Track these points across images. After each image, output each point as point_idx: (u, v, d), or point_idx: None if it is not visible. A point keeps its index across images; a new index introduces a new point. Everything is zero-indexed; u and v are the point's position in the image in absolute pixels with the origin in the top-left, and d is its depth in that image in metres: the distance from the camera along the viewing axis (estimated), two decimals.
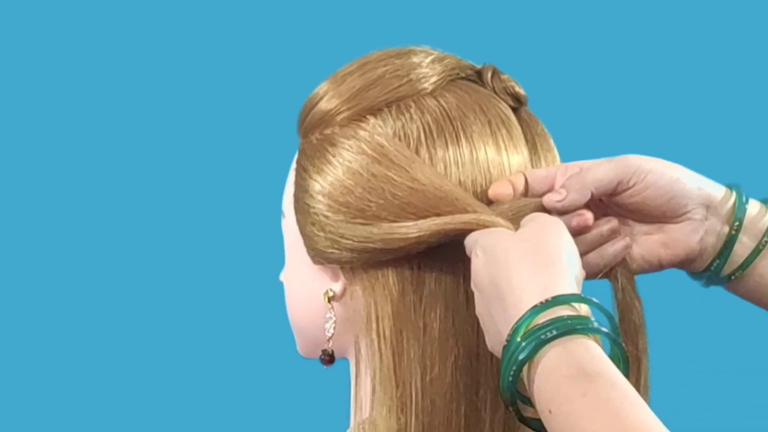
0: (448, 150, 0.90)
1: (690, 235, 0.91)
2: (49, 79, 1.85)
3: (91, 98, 1.85)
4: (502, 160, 0.91)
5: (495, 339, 0.83)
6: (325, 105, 0.94)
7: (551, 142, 0.96)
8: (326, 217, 0.91)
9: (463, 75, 0.95)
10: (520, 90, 0.96)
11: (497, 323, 0.82)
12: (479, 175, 0.90)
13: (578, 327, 0.78)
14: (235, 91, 1.83)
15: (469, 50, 0.98)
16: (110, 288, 1.84)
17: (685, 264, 0.93)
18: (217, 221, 1.83)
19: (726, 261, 0.91)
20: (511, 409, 0.81)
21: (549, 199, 0.89)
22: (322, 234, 0.91)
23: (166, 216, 1.84)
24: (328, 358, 0.95)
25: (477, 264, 0.84)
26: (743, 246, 0.91)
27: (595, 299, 0.81)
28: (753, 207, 0.92)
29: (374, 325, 0.90)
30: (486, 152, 0.90)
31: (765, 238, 0.90)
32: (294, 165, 0.96)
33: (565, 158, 0.96)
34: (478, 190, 0.90)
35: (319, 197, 0.92)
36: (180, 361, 1.83)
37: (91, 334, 1.83)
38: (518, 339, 0.78)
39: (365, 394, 0.92)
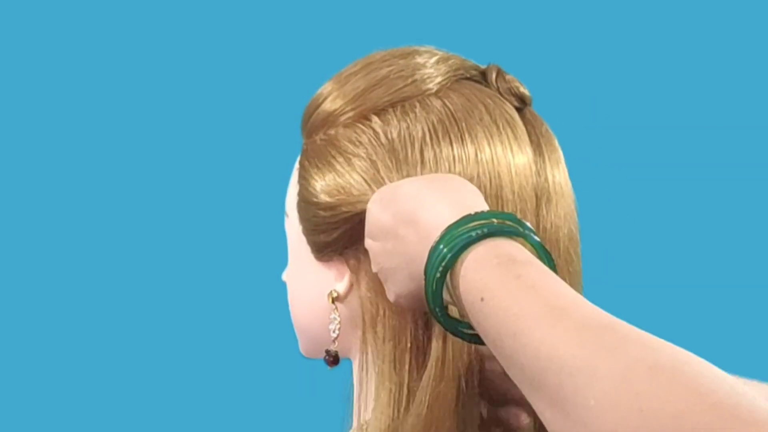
0: (452, 150, 0.90)
1: None
2: (49, 79, 1.85)
3: (92, 98, 1.85)
4: (507, 160, 0.91)
5: (404, 276, 0.81)
6: (329, 105, 0.94)
7: (556, 142, 0.96)
8: (326, 212, 0.91)
9: (468, 75, 0.95)
10: (525, 90, 0.96)
11: (409, 253, 0.80)
12: (483, 175, 0.90)
13: (505, 229, 0.77)
14: (239, 91, 1.83)
15: (474, 50, 0.98)
16: (112, 288, 1.84)
17: None
18: (221, 221, 1.83)
19: None
20: (438, 313, 0.79)
21: None
22: (319, 226, 0.92)
23: (170, 216, 1.84)
24: (332, 358, 0.94)
25: (373, 212, 0.84)
26: None
27: (512, 214, 0.79)
28: None
29: (378, 326, 0.90)
30: (491, 152, 0.90)
31: None
32: (297, 165, 0.96)
33: (568, 158, 0.96)
34: (483, 190, 0.89)
35: (322, 195, 0.92)
36: (182, 361, 1.83)
37: (92, 334, 1.83)
38: (442, 246, 0.76)
39: (368, 395, 0.92)
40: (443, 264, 0.76)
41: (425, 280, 0.78)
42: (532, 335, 0.69)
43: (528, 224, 0.79)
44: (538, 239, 0.78)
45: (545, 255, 0.78)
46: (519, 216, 0.83)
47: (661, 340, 0.66)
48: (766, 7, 1.86)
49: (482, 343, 0.76)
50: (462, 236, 0.76)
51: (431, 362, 0.87)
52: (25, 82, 1.86)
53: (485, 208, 0.81)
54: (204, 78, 1.84)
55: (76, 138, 1.85)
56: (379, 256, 0.84)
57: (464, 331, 0.79)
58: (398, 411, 0.88)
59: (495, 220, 0.77)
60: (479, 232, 0.76)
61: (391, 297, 0.85)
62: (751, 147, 1.84)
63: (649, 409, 0.61)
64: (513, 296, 0.71)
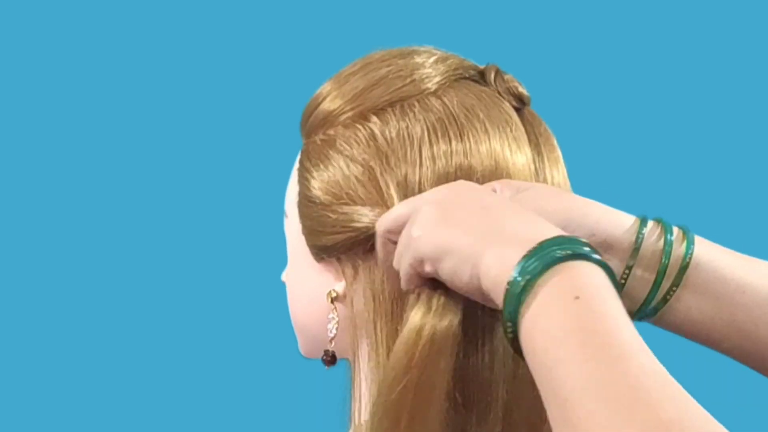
0: (451, 149, 0.90)
1: None
2: (49, 79, 1.85)
3: (92, 98, 1.85)
4: (506, 159, 0.91)
5: (469, 249, 0.77)
6: (328, 105, 0.94)
7: (554, 142, 0.96)
8: (326, 212, 0.91)
9: (466, 75, 0.95)
10: (523, 90, 0.96)
11: (490, 227, 0.77)
12: (482, 174, 0.90)
13: (590, 254, 0.73)
14: (238, 91, 1.83)
15: (473, 50, 0.98)
16: (112, 288, 1.84)
17: None
18: (220, 221, 1.83)
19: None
20: (508, 327, 0.73)
21: None
22: (321, 229, 0.92)
23: (169, 216, 1.84)
24: (330, 358, 0.94)
25: (432, 191, 0.82)
26: (643, 282, 0.85)
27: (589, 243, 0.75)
28: (661, 241, 0.85)
29: (375, 326, 0.90)
30: (490, 151, 0.90)
31: (673, 288, 0.84)
32: (297, 165, 0.96)
33: (567, 158, 0.96)
34: None
35: (322, 195, 0.92)
36: (182, 361, 1.83)
37: (92, 334, 1.83)
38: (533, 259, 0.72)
39: (365, 396, 0.92)
40: (527, 278, 0.72)
41: (508, 287, 0.73)
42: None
43: (592, 247, 0.74)
44: (609, 268, 0.74)
45: (611, 276, 0.73)
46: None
47: (692, 403, 0.64)
48: (766, 7, 1.86)
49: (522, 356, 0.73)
50: (549, 252, 0.72)
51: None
52: (25, 82, 1.86)
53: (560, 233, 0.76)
54: (204, 78, 1.84)
55: (76, 138, 1.86)
56: (436, 222, 0.79)
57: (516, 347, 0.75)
58: (394, 413, 0.88)
59: (583, 246, 0.73)
60: (563, 252, 0.72)
61: (445, 273, 0.79)
62: (751, 147, 1.84)
63: None
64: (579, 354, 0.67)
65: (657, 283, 0.85)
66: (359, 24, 1.79)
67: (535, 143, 0.94)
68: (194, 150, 1.84)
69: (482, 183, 0.89)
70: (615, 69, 1.83)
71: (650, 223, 0.85)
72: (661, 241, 0.85)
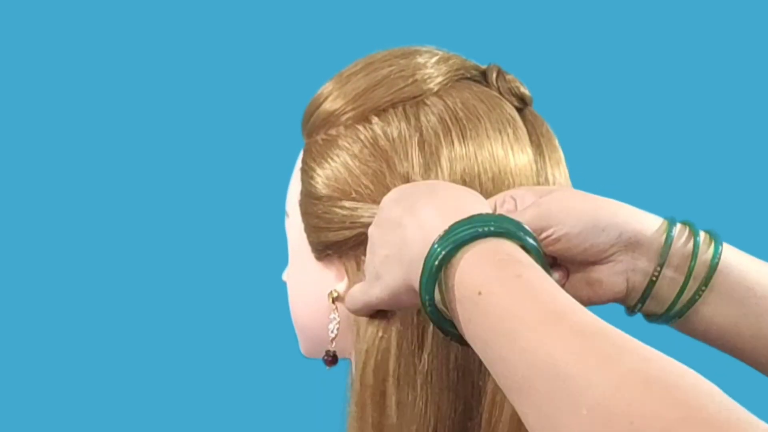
0: (453, 149, 0.90)
1: (613, 276, 0.85)
2: (49, 79, 1.85)
3: (92, 98, 1.85)
4: (508, 159, 0.91)
5: (395, 263, 0.80)
6: (329, 105, 0.94)
7: (556, 142, 0.96)
8: (332, 209, 0.91)
9: (468, 75, 0.95)
10: (525, 90, 0.96)
11: (407, 241, 0.78)
12: (484, 174, 0.90)
13: (509, 231, 0.75)
14: (239, 91, 1.83)
15: (474, 50, 0.98)
16: (112, 288, 1.84)
17: (618, 302, 0.88)
18: (221, 221, 1.83)
19: (647, 299, 0.85)
20: (427, 304, 0.76)
21: None
22: (324, 225, 0.92)
23: (170, 216, 1.83)
24: (331, 358, 0.94)
25: (385, 204, 0.83)
26: (671, 282, 0.85)
27: (514, 219, 0.77)
28: (690, 242, 0.85)
29: (376, 326, 0.90)
30: (492, 152, 0.90)
31: (703, 287, 0.84)
32: (299, 165, 0.96)
33: (569, 158, 0.96)
34: (483, 190, 0.89)
35: (327, 192, 0.92)
36: (182, 361, 1.83)
37: (92, 334, 1.83)
38: (444, 239, 0.75)
39: None
40: (443, 253, 0.74)
41: (422, 269, 0.76)
42: (528, 336, 0.68)
43: (529, 229, 0.77)
44: (536, 244, 0.77)
45: (542, 261, 0.76)
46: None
47: (657, 352, 0.65)
48: (766, 7, 1.86)
49: (464, 342, 0.75)
50: (466, 231, 0.74)
51: (429, 363, 0.87)
52: (25, 82, 1.86)
53: (487, 209, 0.79)
54: (204, 78, 1.84)
55: (76, 138, 1.85)
56: (376, 244, 0.82)
57: (448, 328, 0.77)
58: (395, 412, 0.88)
59: (501, 223, 0.76)
60: (484, 228, 0.74)
61: (375, 291, 0.83)
62: (752, 147, 1.84)
63: (641, 420, 0.61)
64: (512, 295, 0.70)
65: (685, 284, 0.84)
66: (360, 24, 1.79)
67: (537, 144, 0.94)
68: (195, 150, 1.84)
69: (483, 183, 0.89)
70: (616, 69, 1.82)
71: (678, 225, 0.85)
72: (690, 243, 0.84)
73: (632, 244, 0.84)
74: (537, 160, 0.93)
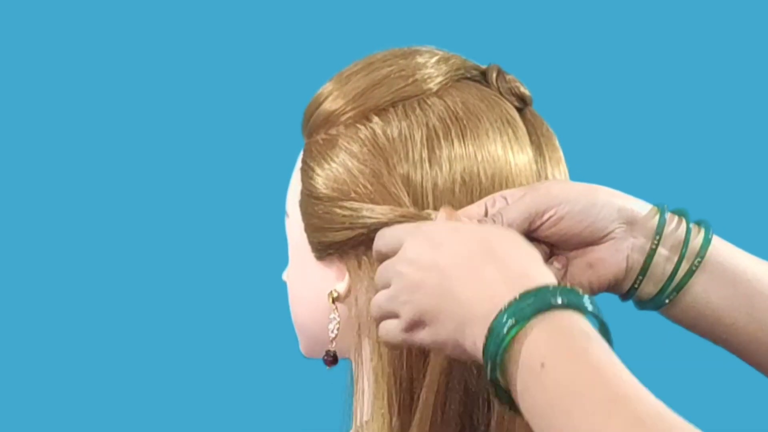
0: (453, 149, 0.90)
1: (615, 254, 0.86)
2: (49, 79, 1.85)
3: (92, 98, 1.85)
4: (508, 159, 0.91)
5: (450, 323, 0.77)
6: (330, 105, 0.94)
7: (556, 142, 0.96)
8: (333, 208, 0.91)
9: (468, 75, 0.95)
10: (525, 90, 0.96)
11: (468, 301, 0.76)
12: (484, 175, 0.90)
13: (578, 304, 0.74)
14: (239, 91, 1.83)
15: (474, 50, 0.98)
16: (112, 288, 1.84)
17: (615, 286, 0.89)
18: (221, 221, 1.83)
19: (645, 276, 0.87)
20: (489, 374, 0.74)
21: None
22: (324, 225, 0.92)
23: (170, 216, 1.83)
24: (331, 358, 0.94)
25: (421, 243, 0.80)
26: (666, 261, 0.87)
27: (575, 289, 0.76)
28: (683, 225, 0.88)
29: (376, 326, 0.90)
30: (492, 151, 0.90)
31: (697, 259, 0.87)
32: (299, 164, 0.96)
33: (569, 158, 0.96)
34: (483, 190, 0.89)
35: (328, 192, 0.92)
36: (182, 361, 1.83)
37: (92, 334, 1.83)
38: (508, 316, 0.73)
39: (366, 396, 0.92)
40: (509, 327, 0.73)
41: (488, 336, 0.74)
42: (587, 419, 0.67)
43: (593, 300, 0.76)
44: (600, 316, 0.76)
45: (605, 332, 0.75)
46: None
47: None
48: (766, 7, 1.86)
49: (515, 409, 0.74)
50: (536, 303, 0.73)
51: (430, 363, 0.88)
52: (25, 82, 1.86)
53: (552, 279, 0.77)
54: (204, 78, 1.84)
55: (76, 138, 1.85)
56: (419, 292, 0.79)
57: (503, 393, 0.75)
58: (396, 413, 0.88)
59: (569, 295, 0.74)
60: (554, 301, 0.73)
61: (421, 336, 0.80)
62: (752, 147, 1.84)
63: None
64: (577, 372, 0.70)
65: (678, 263, 0.87)
66: (360, 24, 1.79)
67: (537, 144, 0.94)
68: (195, 150, 1.84)
69: (483, 183, 0.89)
70: (616, 69, 1.82)
71: (669, 212, 0.89)
72: (683, 226, 0.88)
73: (630, 221, 0.87)
74: (537, 160, 0.93)
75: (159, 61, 1.85)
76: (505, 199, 0.87)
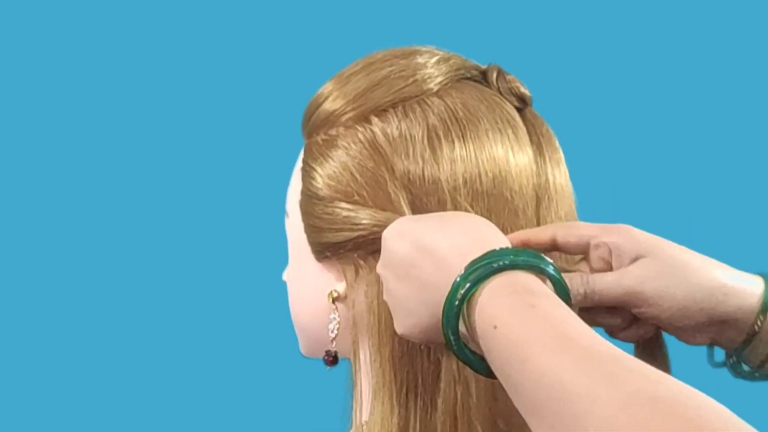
0: (454, 149, 0.90)
1: (697, 338, 0.90)
2: (50, 79, 1.85)
3: (92, 98, 1.85)
4: (509, 159, 0.91)
5: (417, 303, 0.81)
6: (330, 105, 0.94)
7: (556, 142, 0.96)
8: (332, 209, 0.91)
9: (469, 75, 0.95)
10: (525, 91, 0.96)
11: (426, 281, 0.80)
12: (484, 175, 0.90)
13: (525, 263, 0.77)
14: (239, 91, 1.83)
15: (474, 50, 0.98)
16: (113, 288, 1.84)
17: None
18: (221, 221, 1.83)
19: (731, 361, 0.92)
20: (453, 341, 0.78)
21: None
22: (324, 226, 0.92)
23: (170, 216, 1.84)
24: (332, 358, 0.95)
25: (389, 241, 0.84)
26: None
27: (532, 251, 0.79)
28: None
29: (376, 326, 0.90)
30: (492, 152, 0.90)
31: None
32: (299, 165, 0.96)
33: (569, 159, 0.96)
34: (483, 190, 0.89)
35: (324, 195, 0.92)
36: (182, 361, 1.83)
37: (92, 334, 1.83)
38: (463, 278, 0.77)
39: (366, 395, 0.92)
40: (461, 293, 0.76)
41: (443, 308, 0.78)
42: (537, 361, 0.69)
43: (548, 259, 0.79)
44: (557, 274, 0.79)
45: (563, 290, 0.79)
46: (521, 215, 0.86)
47: (667, 375, 0.66)
48: (766, 7, 1.86)
49: (492, 376, 0.76)
50: (483, 267, 0.76)
51: (430, 363, 0.88)
52: (25, 82, 1.86)
53: (507, 244, 0.80)
54: (204, 78, 1.84)
55: (76, 138, 1.85)
56: (391, 283, 0.83)
57: (473, 361, 0.79)
58: (396, 412, 0.88)
59: (518, 255, 0.77)
60: (500, 263, 0.76)
61: (399, 328, 0.84)
62: (752, 147, 1.84)
63: None
64: (524, 324, 0.72)
65: None
66: (360, 24, 1.79)
67: (537, 144, 0.94)
68: (195, 150, 1.84)
69: (484, 183, 0.90)
70: (616, 69, 1.82)
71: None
72: None
73: (722, 324, 0.88)
74: (537, 160, 0.93)
75: (159, 61, 1.85)
76: (609, 249, 0.88)
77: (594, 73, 1.81)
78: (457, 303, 0.77)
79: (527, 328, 0.72)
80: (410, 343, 0.89)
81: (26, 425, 1.83)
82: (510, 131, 0.92)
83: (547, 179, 0.93)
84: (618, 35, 1.83)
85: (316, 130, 0.95)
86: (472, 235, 0.80)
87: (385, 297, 0.85)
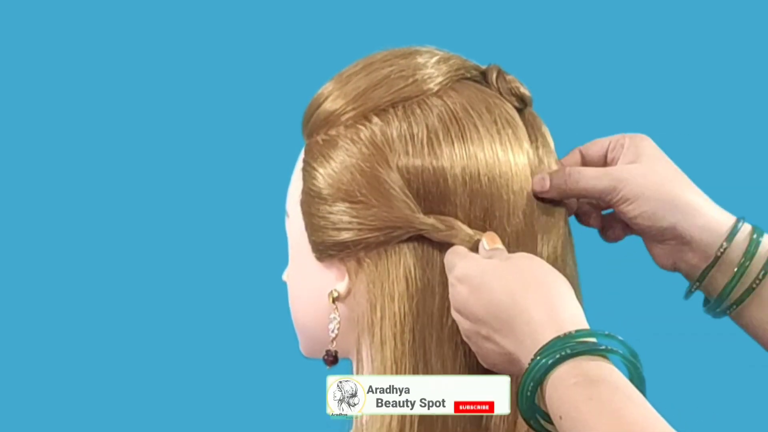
0: (454, 149, 0.90)
1: (662, 257, 0.97)
2: (50, 79, 1.85)
3: (92, 98, 1.85)
4: (508, 159, 0.91)
5: (498, 358, 0.85)
6: (330, 105, 0.94)
7: (551, 143, 0.96)
8: (330, 211, 0.91)
9: (468, 75, 0.95)
10: (525, 91, 0.96)
11: (506, 353, 0.84)
12: (484, 174, 0.90)
13: (590, 349, 0.80)
14: (239, 91, 1.83)
15: (474, 51, 0.98)
16: (113, 288, 1.84)
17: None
18: (221, 222, 1.82)
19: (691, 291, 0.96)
20: (532, 423, 0.83)
21: (533, 183, 0.93)
22: (326, 225, 0.92)
23: (170, 216, 1.83)
24: (332, 358, 0.95)
25: (461, 292, 0.86)
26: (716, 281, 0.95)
27: (609, 333, 0.82)
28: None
29: (377, 326, 0.90)
30: (491, 152, 0.91)
31: (753, 286, 0.93)
32: (299, 165, 0.96)
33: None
34: (483, 189, 0.89)
35: (324, 195, 0.92)
36: (182, 361, 1.82)
37: (92, 334, 1.83)
38: (532, 367, 0.80)
39: None
40: (529, 390, 0.81)
41: (519, 387, 0.82)
42: None
43: (616, 338, 0.81)
44: (622, 350, 0.81)
45: (635, 371, 0.81)
46: (520, 215, 0.89)
47: None
48: (766, 7, 1.86)
49: None
50: (547, 360, 0.79)
51: (429, 363, 0.88)
52: (26, 83, 1.86)
53: (575, 316, 0.83)
54: (204, 79, 1.84)
55: (76, 138, 1.85)
56: (472, 336, 0.86)
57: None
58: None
59: (581, 340, 0.80)
60: (563, 353, 0.79)
61: (485, 363, 0.88)
62: (752, 148, 1.84)
63: None
64: (584, 417, 0.76)
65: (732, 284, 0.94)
66: (360, 24, 1.79)
67: (536, 144, 0.94)
68: (195, 150, 1.84)
69: (483, 183, 0.90)
70: (616, 69, 1.82)
71: (741, 232, 0.94)
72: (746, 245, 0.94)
73: (686, 245, 0.94)
74: (536, 160, 0.93)
75: (159, 61, 1.85)
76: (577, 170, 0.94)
77: (594, 73, 1.81)
78: (529, 395, 0.81)
79: (586, 423, 0.76)
80: (410, 343, 0.89)
81: (26, 425, 1.83)
82: (510, 131, 0.92)
83: None
84: (618, 35, 1.83)
85: (316, 130, 0.95)
86: (545, 307, 0.82)
87: (464, 336, 0.88)
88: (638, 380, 0.81)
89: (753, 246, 0.93)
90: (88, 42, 1.86)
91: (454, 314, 0.87)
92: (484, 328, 0.84)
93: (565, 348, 0.79)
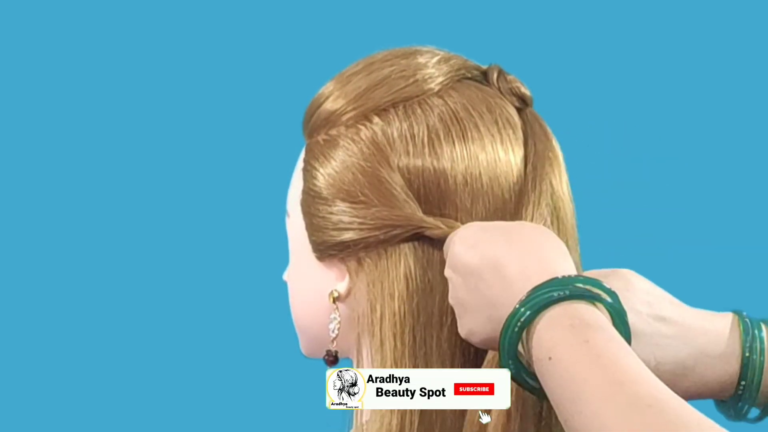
0: (454, 149, 0.90)
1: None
2: (50, 80, 1.85)
3: (92, 98, 1.85)
4: (509, 159, 0.91)
5: (483, 316, 0.83)
6: (330, 105, 0.94)
7: (555, 143, 0.96)
8: (331, 211, 0.92)
9: (469, 75, 0.95)
10: (526, 91, 0.96)
11: (493, 298, 0.82)
12: (484, 174, 0.90)
13: (586, 294, 0.79)
14: (239, 91, 1.83)
15: (475, 50, 0.98)
16: (113, 288, 1.84)
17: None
18: (222, 222, 1.83)
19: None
20: (510, 363, 0.81)
21: None
22: (327, 225, 0.92)
23: (171, 216, 1.84)
24: (332, 358, 0.95)
25: (459, 248, 0.85)
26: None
27: (598, 280, 0.81)
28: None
29: (377, 326, 0.90)
30: (492, 152, 0.91)
31: None
32: (300, 164, 0.96)
33: (569, 159, 0.96)
34: (483, 189, 0.90)
35: (325, 195, 0.92)
36: (182, 361, 1.83)
37: (93, 334, 1.83)
38: (523, 307, 0.79)
39: None
40: (521, 321, 0.79)
41: (501, 333, 0.80)
42: (587, 405, 0.73)
43: (608, 288, 0.80)
44: (616, 304, 0.80)
45: (621, 321, 0.80)
46: (521, 216, 0.88)
47: (716, 426, 0.69)
48: (766, 7, 1.86)
49: (544, 396, 0.79)
50: (543, 296, 0.78)
51: (430, 363, 0.88)
52: (26, 83, 1.86)
53: (571, 270, 0.82)
54: (204, 79, 1.84)
55: (77, 138, 1.85)
56: (460, 290, 0.85)
57: (529, 381, 0.81)
58: (396, 413, 0.88)
59: (578, 285, 0.79)
60: (560, 293, 0.78)
61: (463, 332, 0.86)
62: (752, 148, 1.84)
63: None
64: (578, 361, 0.75)
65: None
66: (360, 24, 1.79)
67: (537, 144, 0.94)
68: (195, 150, 1.84)
69: (484, 183, 0.90)
70: (616, 69, 1.82)
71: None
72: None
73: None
74: (536, 161, 0.93)
75: (159, 61, 1.85)
76: None
77: (594, 73, 1.81)
78: (516, 330, 0.79)
79: (580, 366, 0.74)
80: (411, 343, 0.89)
81: (26, 425, 1.83)
82: (510, 131, 0.92)
83: (543, 180, 0.93)
84: (618, 35, 1.84)
85: (317, 130, 0.95)
86: (539, 256, 0.82)
87: (450, 300, 0.87)
88: (625, 333, 0.80)
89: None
90: (88, 42, 1.86)
91: (447, 273, 0.87)
92: (473, 278, 0.83)
93: (565, 288, 0.78)
